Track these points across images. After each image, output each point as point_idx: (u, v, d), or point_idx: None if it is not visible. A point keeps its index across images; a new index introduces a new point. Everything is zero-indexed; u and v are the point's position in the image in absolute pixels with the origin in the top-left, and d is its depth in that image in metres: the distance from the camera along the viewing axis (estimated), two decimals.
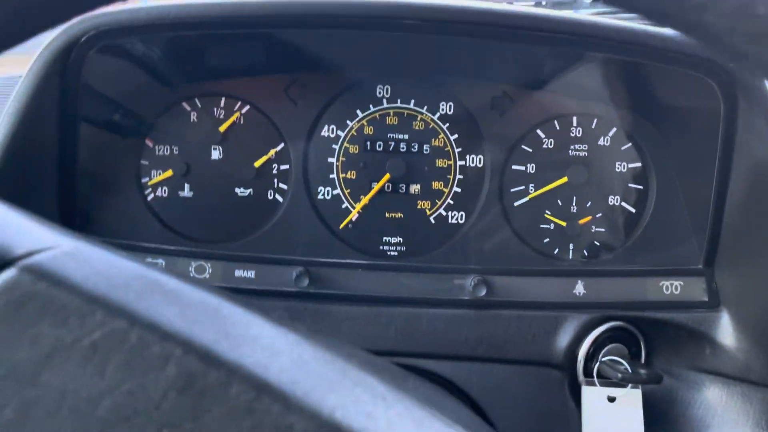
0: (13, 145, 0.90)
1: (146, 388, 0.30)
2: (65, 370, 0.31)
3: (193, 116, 1.09)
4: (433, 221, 1.11)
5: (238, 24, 0.95)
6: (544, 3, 1.57)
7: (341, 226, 1.10)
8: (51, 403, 0.30)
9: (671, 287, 1.05)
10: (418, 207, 1.11)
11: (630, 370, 0.99)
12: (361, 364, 0.38)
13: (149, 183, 1.09)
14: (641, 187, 1.10)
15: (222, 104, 1.09)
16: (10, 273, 0.32)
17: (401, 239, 1.11)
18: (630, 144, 1.10)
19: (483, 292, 1.03)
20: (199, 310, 0.34)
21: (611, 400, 1.02)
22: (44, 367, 0.31)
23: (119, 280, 0.34)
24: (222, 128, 1.09)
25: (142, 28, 0.93)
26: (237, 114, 1.09)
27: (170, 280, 0.36)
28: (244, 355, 0.32)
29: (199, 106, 1.09)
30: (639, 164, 1.10)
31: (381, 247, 1.11)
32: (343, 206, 1.10)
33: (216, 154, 1.09)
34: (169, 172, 1.09)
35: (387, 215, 1.11)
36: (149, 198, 1.10)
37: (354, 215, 1.10)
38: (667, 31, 0.94)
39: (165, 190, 1.10)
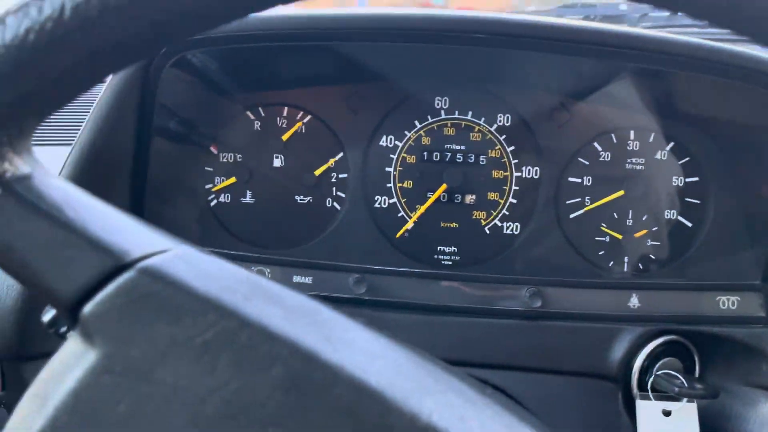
0: (93, 151, 0.94)
1: (254, 386, 0.32)
2: (178, 368, 0.32)
3: (257, 125, 1.12)
4: (488, 232, 1.12)
5: (311, 36, 0.97)
6: (592, 17, 1.56)
7: (398, 235, 1.11)
8: (163, 399, 0.32)
9: (728, 302, 1.04)
10: (473, 217, 1.12)
11: (686, 384, 0.99)
12: (446, 370, 0.39)
13: (213, 189, 1.12)
14: (699, 201, 1.09)
15: (284, 114, 1.12)
16: (129, 274, 0.34)
17: (456, 249, 1.12)
18: (688, 158, 1.09)
19: (538, 303, 1.03)
20: (300, 313, 0.36)
21: (666, 414, 1.01)
22: (158, 364, 0.32)
23: (228, 283, 0.35)
24: (284, 137, 1.11)
25: (218, 40, 0.96)
26: (299, 123, 1.11)
27: (271, 284, 0.37)
28: (344, 358, 0.33)
29: (263, 115, 1.12)
30: (697, 179, 1.09)
31: (436, 257, 1.12)
32: (399, 215, 1.12)
33: (278, 162, 1.12)
34: (233, 179, 1.11)
35: (442, 225, 1.12)
36: (212, 204, 1.12)
37: (410, 224, 1.11)
38: (729, 46, 0.93)
39: (228, 197, 1.12)
